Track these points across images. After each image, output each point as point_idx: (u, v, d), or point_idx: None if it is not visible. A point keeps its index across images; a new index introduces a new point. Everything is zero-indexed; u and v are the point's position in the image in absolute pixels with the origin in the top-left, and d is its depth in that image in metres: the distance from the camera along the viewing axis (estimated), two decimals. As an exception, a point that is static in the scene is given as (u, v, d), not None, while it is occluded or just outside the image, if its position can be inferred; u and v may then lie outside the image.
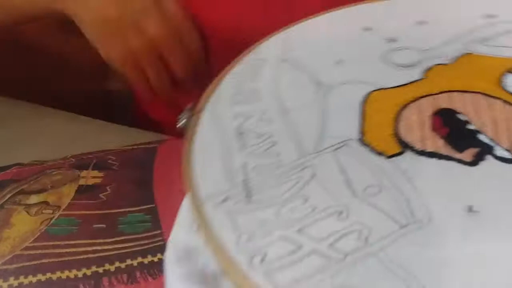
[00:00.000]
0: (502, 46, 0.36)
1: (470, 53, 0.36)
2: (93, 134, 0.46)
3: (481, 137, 0.29)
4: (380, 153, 0.29)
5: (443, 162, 0.28)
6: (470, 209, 0.25)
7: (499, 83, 0.33)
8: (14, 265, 0.32)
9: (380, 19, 0.40)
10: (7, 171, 0.38)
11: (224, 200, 0.27)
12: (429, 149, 0.29)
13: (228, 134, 0.32)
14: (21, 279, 0.31)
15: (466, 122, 0.30)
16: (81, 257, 0.32)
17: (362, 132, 0.30)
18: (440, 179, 0.27)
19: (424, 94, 0.32)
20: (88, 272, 0.32)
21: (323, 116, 0.32)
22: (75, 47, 0.51)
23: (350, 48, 0.38)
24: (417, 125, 0.30)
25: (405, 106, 0.32)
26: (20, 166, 0.38)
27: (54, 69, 0.54)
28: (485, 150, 0.28)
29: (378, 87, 0.34)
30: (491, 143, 0.28)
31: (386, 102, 0.33)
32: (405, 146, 0.29)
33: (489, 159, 0.28)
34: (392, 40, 0.38)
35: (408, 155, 0.29)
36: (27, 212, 0.34)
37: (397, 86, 0.33)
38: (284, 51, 0.39)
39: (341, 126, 0.31)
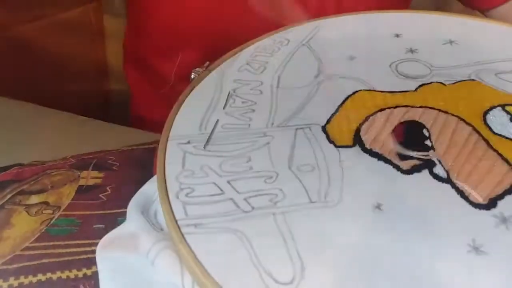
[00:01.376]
0: (509, 81, 0.36)
1: (475, 81, 0.36)
2: (93, 134, 0.46)
3: (430, 154, 0.30)
4: (332, 142, 0.31)
5: (381, 163, 0.30)
6: (377, 207, 0.27)
7: (482, 114, 0.33)
8: (14, 265, 0.32)
9: (413, 29, 0.41)
10: (8, 171, 0.38)
11: (186, 143, 0.32)
12: (376, 150, 0.31)
13: (222, 93, 0.36)
14: (21, 279, 0.32)
15: (425, 138, 0.31)
16: (82, 257, 0.32)
17: (329, 121, 0.33)
18: (368, 176, 0.29)
19: (405, 104, 0.34)
20: (89, 272, 0.32)
21: (307, 99, 0.35)
22: (74, 47, 0.51)
23: (369, 48, 0.40)
24: (380, 127, 0.32)
25: (382, 109, 0.34)
26: (20, 167, 0.38)
27: (54, 69, 0.52)
28: (424, 165, 0.29)
29: (370, 88, 0.36)
30: (436, 161, 0.30)
31: (368, 102, 0.35)
32: (357, 142, 0.31)
33: (424, 172, 0.29)
34: (412, 51, 0.39)
35: (355, 150, 0.31)
36: (27, 213, 0.35)
37: (387, 92, 0.35)
38: (309, 36, 0.42)
39: (315, 112, 0.34)
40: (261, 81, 0.38)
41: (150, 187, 0.32)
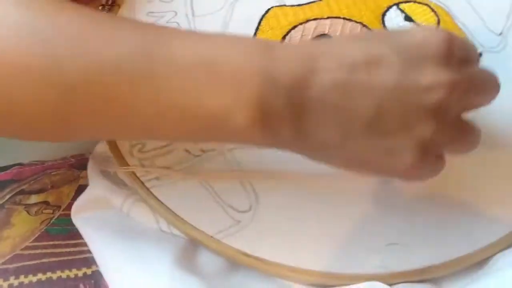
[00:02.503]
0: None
1: (374, -22, 0.39)
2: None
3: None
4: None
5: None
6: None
7: (381, 15, 0.37)
8: (15, 265, 0.32)
9: None
10: (8, 171, 0.37)
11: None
12: (296, 73, 0.35)
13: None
14: (22, 278, 0.32)
15: (335, 52, 0.35)
16: (81, 256, 0.33)
17: (250, 48, 0.36)
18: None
19: (314, 17, 0.37)
20: (89, 271, 0.32)
21: (224, 25, 0.37)
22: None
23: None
24: (296, 48, 0.36)
25: (294, 26, 0.37)
26: (20, 166, 0.37)
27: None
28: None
29: (281, 3, 0.38)
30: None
31: (281, 20, 0.37)
32: (279, 67, 0.35)
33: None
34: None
35: (278, 76, 0.35)
36: (28, 212, 0.34)
37: (297, 5, 0.38)
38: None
39: (236, 39, 0.37)
40: (175, 10, 0.38)
41: (101, 146, 0.35)
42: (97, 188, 0.32)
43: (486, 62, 0.35)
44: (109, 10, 0.38)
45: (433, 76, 0.23)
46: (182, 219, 0.30)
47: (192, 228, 0.30)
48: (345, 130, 0.24)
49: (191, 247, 0.30)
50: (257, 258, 0.29)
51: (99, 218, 0.32)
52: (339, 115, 0.24)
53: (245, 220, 0.30)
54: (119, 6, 0.38)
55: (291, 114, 0.24)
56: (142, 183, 0.31)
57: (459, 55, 0.25)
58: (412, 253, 0.29)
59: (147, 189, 0.30)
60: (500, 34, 0.36)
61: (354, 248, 0.29)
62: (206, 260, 0.30)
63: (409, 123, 0.24)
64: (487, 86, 0.26)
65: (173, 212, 0.30)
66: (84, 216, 0.32)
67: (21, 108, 0.24)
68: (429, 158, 0.25)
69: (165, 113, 0.24)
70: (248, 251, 0.29)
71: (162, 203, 0.30)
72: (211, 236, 0.30)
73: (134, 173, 0.31)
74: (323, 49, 0.24)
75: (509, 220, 0.29)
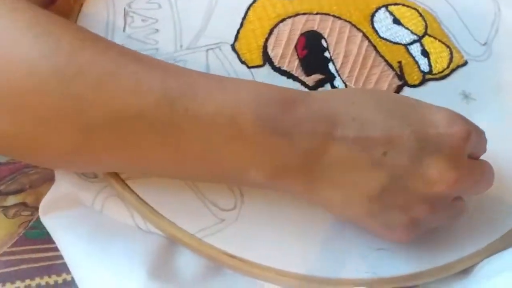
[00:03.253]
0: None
1: (363, -23, 0.39)
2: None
3: (330, 66, 0.34)
4: (243, 62, 0.33)
5: (290, 81, 0.33)
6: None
7: (370, 16, 0.36)
8: None
9: None
10: None
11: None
12: (285, 67, 0.34)
13: (116, 11, 0.34)
14: None
15: (324, 49, 0.35)
16: (61, 261, 0.31)
17: (237, 38, 0.34)
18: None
19: (303, 11, 0.36)
20: (68, 277, 0.31)
21: (209, 11, 0.35)
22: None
23: None
24: (285, 42, 0.34)
25: (283, 19, 0.36)
26: None
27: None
28: (327, 79, 0.33)
29: (269, -7, 0.37)
30: (335, 74, 0.34)
31: (269, 10, 0.36)
32: (266, 60, 0.34)
33: (327, 87, 0.33)
34: None
35: (266, 69, 0.33)
36: (5, 215, 0.32)
37: (285, -3, 0.37)
38: None
39: (221, 27, 0.35)
40: (157, -9, 0.36)
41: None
42: (64, 184, 0.29)
43: (471, 71, 0.36)
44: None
45: (441, 172, 0.25)
46: (160, 215, 0.28)
47: (172, 225, 0.28)
48: (348, 198, 0.25)
49: (169, 247, 0.27)
50: (241, 259, 0.27)
51: (69, 217, 0.29)
52: (347, 183, 0.25)
53: (229, 219, 0.28)
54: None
55: (304, 175, 0.25)
56: (117, 174, 0.28)
57: (471, 149, 0.26)
58: (400, 259, 0.28)
59: (123, 181, 0.28)
60: (485, 44, 0.37)
61: (341, 253, 0.28)
62: (185, 262, 0.27)
63: (408, 204, 0.25)
64: (485, 178, 0.28)
65: (151, 207, 0.28)
66: (53, 216, 0.29)
67: (44, 144, 0.24)
68: (419, 231, 0.27)
69: (183, 161, 0.24)
70: (232, 252, 0.27)
71: (139, 197, 0.28)
72: (192, 235, 0.28)
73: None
74: (346, 112, 0.25)
75: (495, 228, 0.30)
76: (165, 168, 0.25)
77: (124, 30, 0.33)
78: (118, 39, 0.33)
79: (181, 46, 0.34)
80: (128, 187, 0.28)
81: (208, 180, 0.27)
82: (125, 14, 0.34)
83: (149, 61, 0.25)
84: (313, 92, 0.27)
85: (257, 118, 0.24)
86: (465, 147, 0.25)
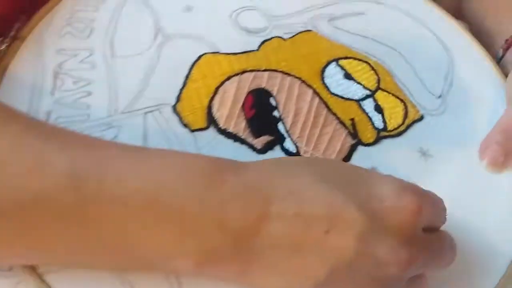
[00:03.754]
0: (344, 29, 0.38)
1: (312, 31, 0.37)
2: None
3: (280, 127, 0.32)
4: (186, 125, 0.31)
5: (237, 145, 0.31)
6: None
7: (320, 71, 0.35)
8: None
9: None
10: None
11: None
12: (231, 129, 0.31)
13: (46, 72, 0.31)
14: None
15: (273, 108, 0.33)
16: None
17: (179, 99, 0.32)
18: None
19: (250, 68, 0.34)
20: None
21: (149, 71, 0.33)
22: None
23: (205, -5, 0.38)
24: (231, 101, 0.32)
25: (229, 77, 0.34)
26: None
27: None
28: (277, 140, 0.31)
29: (214, 49, 0.35)
30: (285, 134, 0.32)
31: (214, 68, 0.34)
32: (211, 121, 0.31)
33: (277, 150, 0.31)
34: (251, -3, 0.38)
35: (211, 132, 0.31)
36: None
37: (232, 54, 0.35)
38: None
39: (162, 87, 0.32)
40: (91, 49, 0.33)
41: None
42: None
43: (427, 126, 0.35)
44: (9, 44, 0.33)
45: (391, 253, 0.22)
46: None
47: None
48: (290, 285, 0.22)
49: None
50: None
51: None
52: (287, 268, 0.22)
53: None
54: (22, 39, 0.33)
55: (237, 260, 0.22)
56: (33, 268, 0.24)
57: (425, 223, 0.24)
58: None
59: (38, 274, 0.24)
60: (440, 96, 0.35)
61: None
62: None
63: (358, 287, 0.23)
64: (444, 252, 0.25)
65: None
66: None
67: None
68: None
69: (96, 251, 0.21)
70: None
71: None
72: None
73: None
74: (282, 184, 0.22)
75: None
76: (79, 259, 0.22)
77: (52, 94, 0.31)
78: (45, 104, 0.30)
79: (115, 110, 0.31)
80: (45, 282, 0.25)
81: (132, 270, 0.23)
82: (55, 76, 0.31)
83: (62, 135, 0.22)
84: (247, 162, 0.24)
85: (180, 198, 0.21)
86: (417, 222, 0.23)
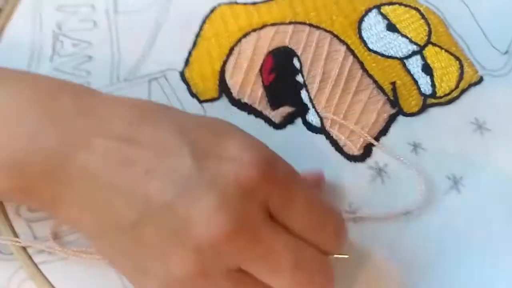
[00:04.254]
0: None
1: (350, -30, 0.31)
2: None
3: (303, 94, 0.27)
4: (194, 95, 0.27)
5: (251, 118, 0.26)
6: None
7: (357, 22, 0.29)
8: None
9: None
10: None
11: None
12: (245, 99, 0.27)
13: (44, 33, 0.28)
14: None
15: (296, 71, 0.28)
16: None
17: (188, 62, 0.28)
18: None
19: (272, 21, 0.29)
20: None
21: (156, 28, 0.29)
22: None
23: None
24: (248, 64, 0.28)
25: (247, 33, 0.29)
26: None
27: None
28: (298, 112, 0.27)
29: (231, 0, 0.30)
30: (309, 104, 0.27)
31: (229, 23, 0.29)
32: (223, 90, 0.27)
33: (298, 123, 0.26)
34: None
35: (222, 103, 0.27)
36: None
37: (251, 3, 0.30)
38: None
39: (169, 48, 0.28)
40: (93, 3, 0.29)
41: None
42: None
43: (487, 90, 0.28)
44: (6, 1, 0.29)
45: (206, 215, 0.18)
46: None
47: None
48: (101, 224, 0.19)
49: None
50: None
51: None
52: (97, 205, 0.19)
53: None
54: (19, -4, 0.30)
55: (50, 185, 0.20)
56: (30, 257, 0.23)
57: (275, 199, 0.19)
58: None
59: (35, 264, 0.23)
60: (506, 52, 0.29)
61: None
62: None
63: (164, 249, 0.18)
64: (294, 269, 0.19)
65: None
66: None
67: None
68: None
69: None
70: None
71: (52, 286, 0.23)
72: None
73: (18, 241, 0.24)
74: (115, 123, 0.19)
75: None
76: None
77: (51, 60, 0.28)
78: (44, 72, 0.27)
79: (117, 77, 0.27)
80: (41, 272, 0.23)
81: None
82: (54, 38, 0.28)
83: None
84: (99, 92, 0.21)
85: (5, 105, 0.20)
86: (257, 189, 0.18)
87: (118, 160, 0.18)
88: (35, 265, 0.23)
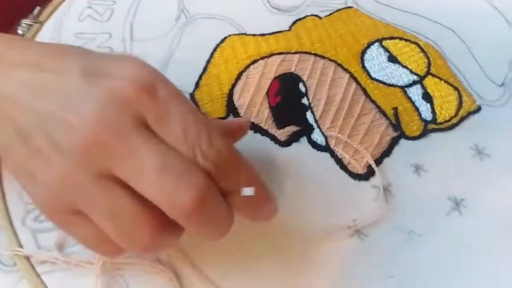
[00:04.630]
0: (389, 5, 0.33)
1: (352, 8, 0.33)
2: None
3: (308, 116, 0.28)
4: (203, 114, 0.28)
5: (258, 136, 0.27)
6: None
7: (359, 54, 0.31)
8: None
9: None
10: None
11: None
12: (252, 118, 0.28)
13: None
14: None
15: (302, 95, 0.29)
16: None
17: (198, 85, 0.29)
18: (245, 155, 0.24)
19: (279, 51, 0.31)
20: None
21: (169, 54, 0.30)
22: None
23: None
24: (254, 87, 0.29)
25: (255, 60, 0.30)
26: None
27: None
28: (303, 131, 0.28)
29: (241, 31, 0.32)
30: (314, 124, 0.28)
31: (238, 52, 0.30)
32: (231, 110, 0.28)
33: (303, 141, 0.27)
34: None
35: (229, 121, 0.28)
36: None
37: (260, 35, 0.31)
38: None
39: (180, 72, 0.29)
40: (110, 32, 0.31)
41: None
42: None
43: (485, 119, 0.29)
44: (28, 29, 0.31)
45: (81, 117, 0.19)
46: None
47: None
48: (5, 132, 0.20)
49: None
50: None
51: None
52: (1, 115, 0.21)
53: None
54: (41, 23, 0.31)
55: None
56: (32, 266, 0.23)
57: (153, 115, 0.20)
58: None
59: (37, 274, 0.23)
60: (502, 85, 0.30)
61: None
62: None
63: (47, 156, 0.19)
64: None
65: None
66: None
67: None
68: (60, 210, 0.20)
69: None
70: None
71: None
72: None
73: (22, 251, 0.23)
74: (13, 56, 0.21)
75: None
76: None
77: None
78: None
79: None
80: (43, 282, 0.23)
81: None
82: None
83: None
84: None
85: None
86: (132, 103, 0.19)
87: (25, 83, 0.20)
88: (38, 275, 0.23)
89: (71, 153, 0.19)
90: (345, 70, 0.30)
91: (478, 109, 0.29)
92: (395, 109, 0.29)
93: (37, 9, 0.32)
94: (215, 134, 0.20)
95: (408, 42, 0.31)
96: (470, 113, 0.29)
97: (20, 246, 0.23)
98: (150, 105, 0.19)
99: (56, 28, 0.31)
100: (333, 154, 0.27)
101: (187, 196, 0.18)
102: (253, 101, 0.28)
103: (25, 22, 0.32)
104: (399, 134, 0.28)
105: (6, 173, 0.25)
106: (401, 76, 0.30)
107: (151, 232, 0.19)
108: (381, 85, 0.29)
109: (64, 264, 0.23)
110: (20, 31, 0.31)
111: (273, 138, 0.27)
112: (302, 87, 0.29)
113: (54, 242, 0.24)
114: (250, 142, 0.27)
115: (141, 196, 0.19)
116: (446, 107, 0.29)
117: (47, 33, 0.31)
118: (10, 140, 0.20)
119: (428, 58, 0.31)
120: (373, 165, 0.26)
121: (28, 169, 0.20)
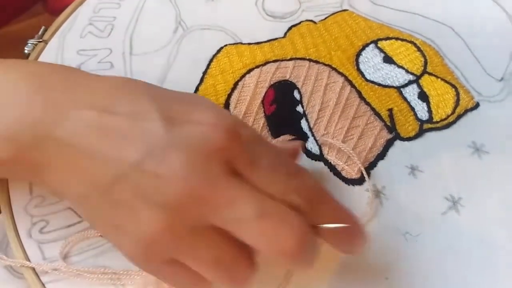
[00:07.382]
0: (385, 5, 0.33)
1: (347, 11, 0.33)
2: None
3: (302, 123, 0.28)
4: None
5: (253, 145, 0.28)
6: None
7: (354, 56, 0.31)
8: None
9: None
10: None
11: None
12: (248, 128, 0.29)
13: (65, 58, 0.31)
14: None
15: (297, 102, 0.29)
16: None
17: (194, 97, 0.30)
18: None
19: (274, 58, 0.31)
20: None
21: (167, 67, 0.31)
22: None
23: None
24: (250, 96, 0.29)
25: (250, 69, 0.31)
26: None
27: None
28: (298, 140, 0.28)
29: (237, 40, 0.32)
30: (308, 133, 0.28)
31: (234, 62, 0.31)
32: (227, 120, 0.29)
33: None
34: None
35: (225, 132, 0.29)
36: None
37: (255, 43, 0.32)
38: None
39: (178, 84, 0.30)
40: (110, 48, 0.32)
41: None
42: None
43: (483, 115, 0.29)
44: (33, 48, 0.33)
45: (175, 169, 0.19)
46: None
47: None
48: (82, 188, 0.20)
49: None
50: None
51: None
52: (79, 172, 0.20)
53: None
54: (45, 42, 0.33)
55: (35, 154, 0.21)
56: (37, 275, 0.24)
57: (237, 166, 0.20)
58: None
59: (42, 284, 0.24)
60: (502, 79, 0.30)
61: None
62: None
63: (134, 205, 0.19)
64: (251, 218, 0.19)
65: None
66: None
67: None
68: (155, 260, 0.20)
69: None
70: None
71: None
72: None
73: (28, 261, 0.25)
74: (79, 99, 0.21)
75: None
76: None
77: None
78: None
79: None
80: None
81: None
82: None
83: None
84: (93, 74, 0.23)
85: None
86: (222, 149, 0.19)
87: (97, 128, 0.20)
88: (43, 284, 0.24)
89: (164, 207, 0.19)
90: (340, 74, 0.30)
91: (476, 105, 0.28)
92: (390, 110, 0.29)
93: (42, 29, 0.34)
94: (303, 170, 0.20)
95: (404, 42, 0.31)
96: (468, 110, 0.28)
97: (27, 257, 0.25)
98: (237, 151, 0.19)
99: (59, 46, 0.32)
100: (326, 162, 0.27)
101: (289, 240, 0.19)
102: (249, 110, 0.29)
103: (31, 41, 0.33)
104: (394, 135, 0.28)
105: (12, 187, 0.27)
106: (396, 76, 0.30)
107: (251, 270, 0.20)
108: (376, 86, 0.29)
109: (68, 274, 0.24)
110: (26, 51, 0.33)
111: (268, 147, 0.28)
112: (296, 94, 0.29)
113: (59, 252, 0.25)
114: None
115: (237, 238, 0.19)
116: (442, 106, 0.28)
117: (51, 52, 0.32)
118: (85, 190, 0.20)
119: (424, 56, 0.30)
120: (364, 173, 0.26)
121: (113, 222, 0.20)
